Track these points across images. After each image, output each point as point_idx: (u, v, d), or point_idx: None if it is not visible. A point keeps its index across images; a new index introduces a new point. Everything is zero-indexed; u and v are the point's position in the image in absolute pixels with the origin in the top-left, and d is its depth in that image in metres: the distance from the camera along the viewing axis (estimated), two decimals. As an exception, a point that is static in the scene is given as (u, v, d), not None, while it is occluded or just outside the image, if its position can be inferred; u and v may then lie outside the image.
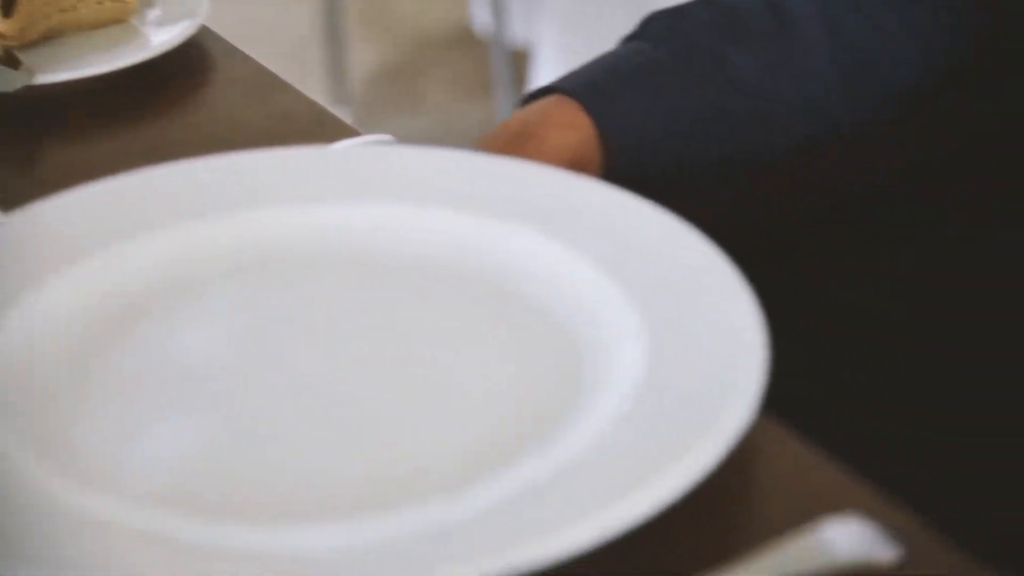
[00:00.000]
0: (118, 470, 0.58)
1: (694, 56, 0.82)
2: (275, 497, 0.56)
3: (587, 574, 0.52)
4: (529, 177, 0.71)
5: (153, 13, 0.92)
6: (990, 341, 0.82)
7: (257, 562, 0.53)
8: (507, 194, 0.70)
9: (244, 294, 0.68)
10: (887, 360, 0.82)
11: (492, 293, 0.66)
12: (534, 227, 0.67)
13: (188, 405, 0.62)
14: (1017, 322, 0.82)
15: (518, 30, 2.19)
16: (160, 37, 0.89)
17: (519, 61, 2.27)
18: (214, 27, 0.93)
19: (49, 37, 0.89)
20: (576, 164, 0.78)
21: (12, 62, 0.86)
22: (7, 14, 0.87)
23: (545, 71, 2.13)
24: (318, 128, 0.84)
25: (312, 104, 0.86)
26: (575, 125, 0.79)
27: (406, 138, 0.81)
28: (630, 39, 0.85)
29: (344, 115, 2.32)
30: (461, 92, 2.46)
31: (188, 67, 0.90)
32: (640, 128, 0.80)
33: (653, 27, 0.84)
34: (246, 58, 0.91)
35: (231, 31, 0.98)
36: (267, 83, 0.89)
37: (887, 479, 0.57)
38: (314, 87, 2.38)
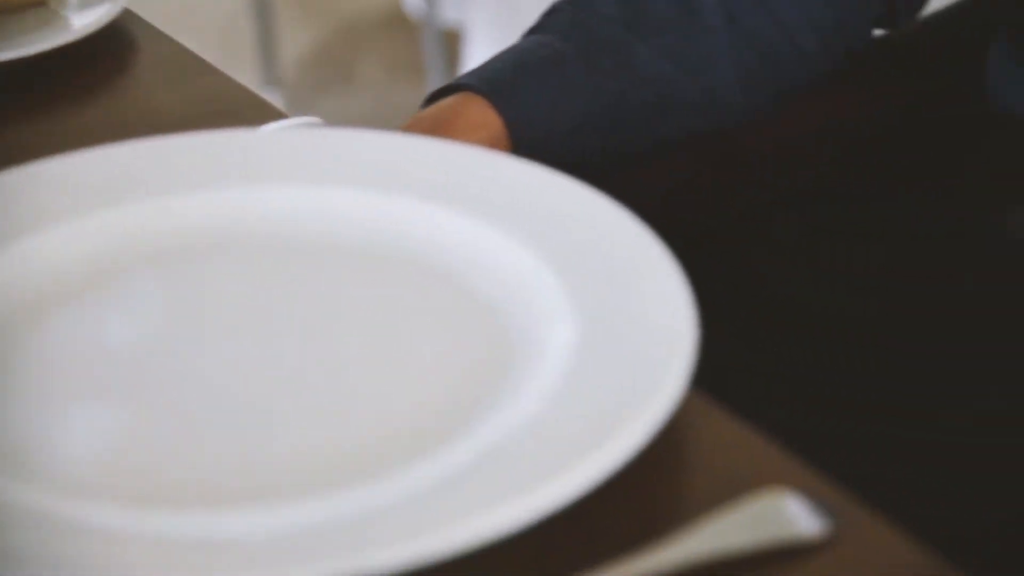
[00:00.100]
0: (42, 460, 0.57)
1: (599, 50, 0.83)
2: (202, 483, 0.56)
3: (517, 555, 0.52)
4: (459, 158, 0.71)
5: (74, -4, 0.91)
6: (919, 328, 0.83)
7: (185, 548, 0.52)
8: (434, 175, 0.69)
9: (169, 280, 0.67)
10: (821, 347, 0.83)
11: (421, 275, 0.65)
12: (464, 208, 0.67)
13: (113, 392, 0.61)
14: (941, 307, 0.83)
15: (450, 11, 2.18)
16: (82, 20, 0.88)
17: (451, 42, 2.26)
18: (138, 10, 0.92)
19: (-33, 21, 0.88)
20: None
21: (-70, 47, 0.84)
22: (-76, -2, 0.86)
23: (477, 52, 2.13)
24: (244, 111, 0.83)
25: (239, 87, 0.85)
26: (485, 124, 0.80)
27: (338, 121, 0.81)
28: (534, 30, 0.85)
29: (275, 98, 2.31)
30: (393, 74, 2.45)
31: (110, 51, 0.88)
32: (547, 123, 0.81)
33: (558, 19, 0.84)
34: (170, 41, 0.90)
35: (157, 14, 0.97)
36: (192, 66, 0.88)
37: (820, 463, 0.57)
38: (244, 70, 2.36)
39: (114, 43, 0.89)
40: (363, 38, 2.56)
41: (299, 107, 2.32)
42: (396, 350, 0.62)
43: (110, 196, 0.69)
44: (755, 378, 0.82)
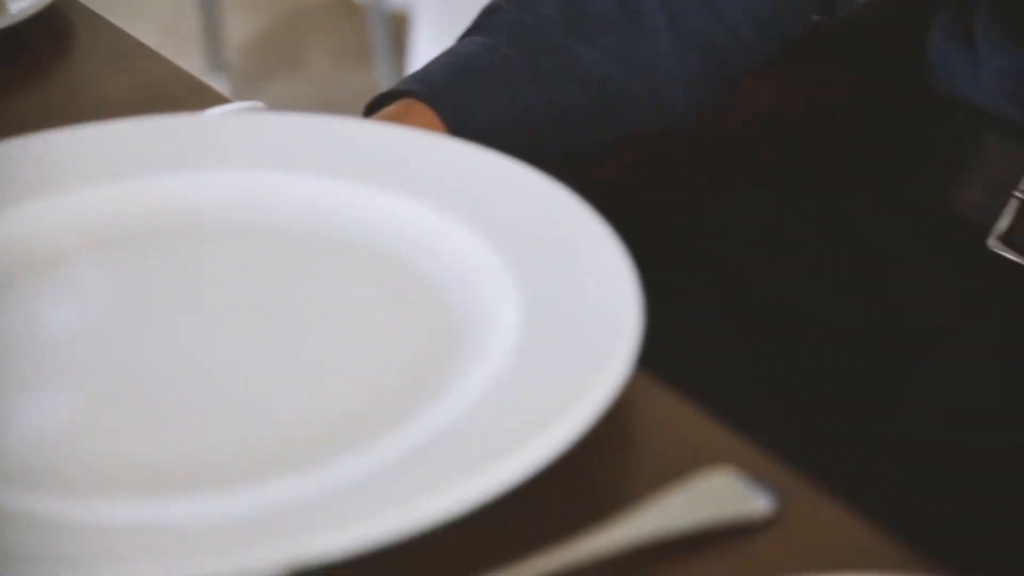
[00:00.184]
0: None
1: (542, 52, 0.83)
2: (145, 469, 0.56)
3: (463, 538, 0.51)
4: (403, 142, 0.71)
5: (11, -20, 0.90)
6: (862, 305, 0.84)
7: (128, 534, 0.52)
8: (379, 158, 0.69)
9: (111, 266, 0.66)
10: (769, 329, 0.84)
11: (366, 259, 0.65)
12: (409, 191, 0.67)
13: (57, 380, 0.60)
14: (882, 285, 0.84)
15: (397, -6, 2.17)
16: (18, 4, 0.87)
17: (398, 26, 2.25)
18: (80, -6, 0.91)
19: (-101, 7, 0.87)
20: None
21: None
22: None
23: (424, 37, 2.12)
24: (187, 96, 0.82)
25: (180, 72, 0.84)
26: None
27: (285, 106, 0.80)
28: (474, 31, 0.84)
29: (221, 84, 2.30)
30: (340, 59, 2.44)
31: (48, 36, 0.87)
32: (491, 128, 0.81)
33: (498, 20, 0.84)
34: (110, 26, 0.89)
35: (100, 0, 0.96)
36: (132, 51, 0.87)
37: (771, 445, 0.57)
38: (190, 56, 2.35)
39: (52, 28, 0.88)
40: (310, 23, 2.55)
41: (245, 93, 2.30)
42: (342, 334, 0.62)
43: (49, 183, 0.68)
44: (705, 360, 0.82)
